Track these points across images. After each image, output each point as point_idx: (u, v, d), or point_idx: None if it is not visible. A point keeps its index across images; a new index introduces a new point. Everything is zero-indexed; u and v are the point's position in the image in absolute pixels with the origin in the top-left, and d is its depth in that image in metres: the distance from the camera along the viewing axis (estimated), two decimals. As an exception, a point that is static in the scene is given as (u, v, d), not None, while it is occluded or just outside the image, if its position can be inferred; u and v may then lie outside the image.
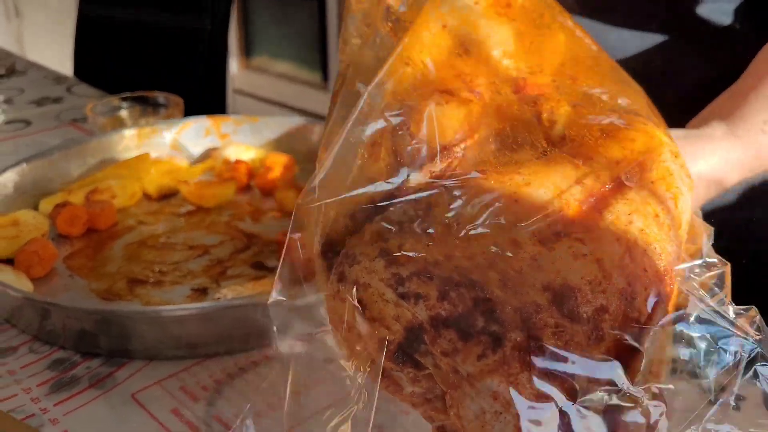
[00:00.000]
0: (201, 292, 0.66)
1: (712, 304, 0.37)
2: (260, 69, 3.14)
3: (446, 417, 0.34)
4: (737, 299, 0.71)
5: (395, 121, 0.35)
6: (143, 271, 0.69)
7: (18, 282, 0.64)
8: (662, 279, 0.35)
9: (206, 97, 1.37)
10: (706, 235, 0.40)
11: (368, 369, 0.34)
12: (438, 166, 0.35)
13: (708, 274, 0.38)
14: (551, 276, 0.32)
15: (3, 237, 0.70)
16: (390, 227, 0.33)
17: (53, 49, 2.97)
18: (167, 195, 0.84)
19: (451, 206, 0.33)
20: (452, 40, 0.38)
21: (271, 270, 0.69)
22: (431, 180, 0.34)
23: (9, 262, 0.69)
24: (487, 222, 0.33)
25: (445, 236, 0.33)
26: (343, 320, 0.34)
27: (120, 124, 0.96)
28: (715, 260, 0.39)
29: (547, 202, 0.34)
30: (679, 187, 0.37)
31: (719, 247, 0.71)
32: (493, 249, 0.32)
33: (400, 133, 0.35)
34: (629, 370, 0.34)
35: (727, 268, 0.38)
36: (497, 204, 0.33)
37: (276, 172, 0.84)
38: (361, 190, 0.34)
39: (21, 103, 1.18)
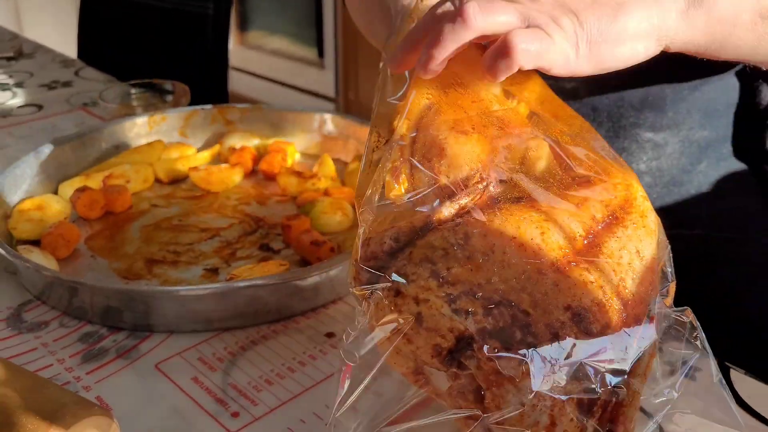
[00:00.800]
0: (213, 272, 0.72)
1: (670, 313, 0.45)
2: (255, 45, 3.17)
3: (475, 407, 0.41)
4: (712, 279, 0.78)
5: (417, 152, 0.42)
6: (159, 252, 0.75)
7: (45, 262, 0.70)
8: (643, 302, 0.43)
9: (207, 82, 1.41)
10: (667, 252, 0.47)
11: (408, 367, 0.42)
12: (464, 199, 0.42)
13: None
14: (569, 298, 0.40)
15: (29, 220, 0.76)
16: (435, 251, 0.40)
17: (53, 25, 2.99)
18: (177, 179, 0.90)
19: (487, 236, 0.40)
20: (452, 76, 0.45)
21: (277, 252, 0.76)
22: (462, 212, 0.41)
23: (35, 243, 0.75)
24: (515, 250, 0.40)
25: (483, 263, 0.40)
26: (394, 327, 0.41)
27: (129, 110, 1.02)
28: (669, 274, 0.46)
29: (564, 236, 0.41)
30: (649, 226, 0.45)
31: (694, 235, 0.77)
32: (524, 275, 0.39)
33: (421, 165, 0.42)
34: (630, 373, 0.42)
35: (673, 284, 0.46)
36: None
37: (279, 158, 0.90)
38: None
39: (32, 87, 1.23)
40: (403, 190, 0.42)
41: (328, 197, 0.80)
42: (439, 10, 0.46)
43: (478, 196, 0.42)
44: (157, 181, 0.90)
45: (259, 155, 0.93)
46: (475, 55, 0.47)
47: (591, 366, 0.40)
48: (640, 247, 0.43)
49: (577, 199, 0.43)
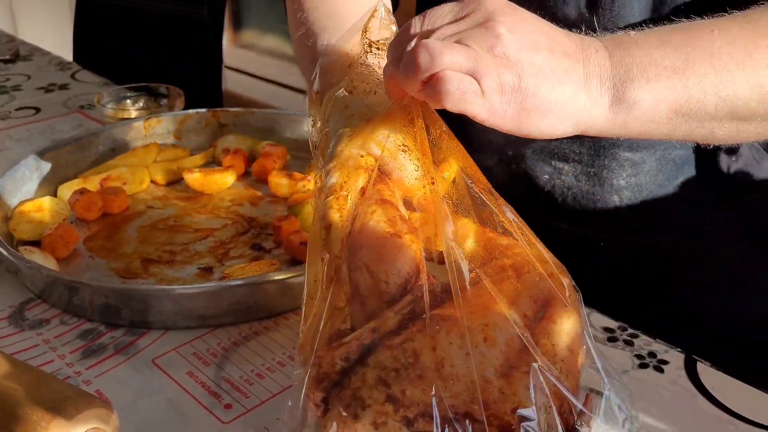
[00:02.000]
0: (207, 271, 0.75)
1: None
2: (248, 45, 3.19)
3: None
4: (683, 281, 0.81)
5: (353, 259, 0.45)
6: (155, 252, 0.78)
7: (45, 262, 0.73)
8: (576, 391, 0.46)
9: (202, 83, 1.44)
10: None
11: None
12: (407, 307, 0.44)
13: None
14: (515, 402, 0.43)
15: (29, 221, 0.79)
16: (388, 373, 0.43)
17: (47, 27, 3.01)
18: (173, 182, 0.93)
19: (436, 350, 0.43)
20: (377, 167, 0.48)
21: (268, 251, 0.79)
22: (405, 322, 0.44)
23: (35, 243, 0.78)
24: (462, 362, 0.43)
25: (434, 379, 0.42)
26: None
27: (125, 113, 1.04)
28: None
29: (505, 340, 0.44)
30: (574, 313, 0.47)
31: (665, 241, 0.81)
32: (473, 386, 0.42)
33: (360, 271, 0.45)
34: None
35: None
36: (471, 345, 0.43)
37: (270, 161, 0.93)
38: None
39: (29, 90, 1.25)
40: (344, 302, 0.45)
41: (317, 199, 0.83)
42: (397, 49, 0.48)
43: (419, 300, 0.44)
44: (153, 183, 0.93)
45: (252, 157, 0.96)
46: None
47: None
48: (569, 342, 0.46)
49: (509, 294, 0.45)
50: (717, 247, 0.80)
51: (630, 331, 0.68)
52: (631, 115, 0.51)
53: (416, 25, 0.49)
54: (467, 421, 0.42)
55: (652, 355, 0.65)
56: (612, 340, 0.67)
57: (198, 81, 1.45)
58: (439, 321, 0.44)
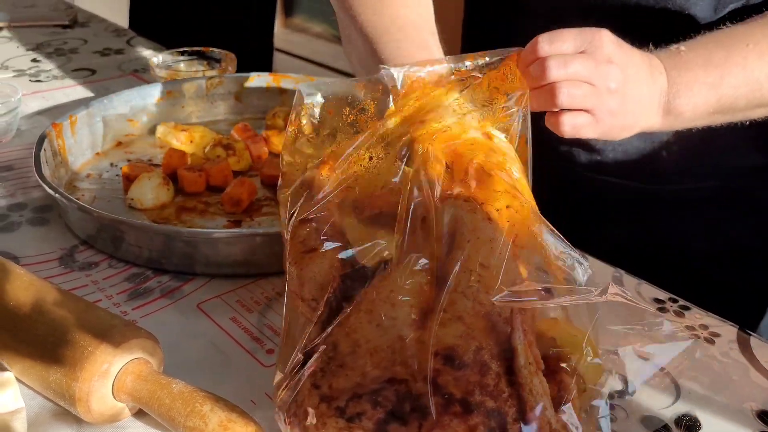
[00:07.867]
0: (236, 224, 0.76)
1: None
2: (299, 29, 3.21)
3: None
4: (725, 229, 0.81)
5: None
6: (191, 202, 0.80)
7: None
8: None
9: (254, 54, 1.45)
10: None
11: None
12: (324, 312, 0.46)
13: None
14: (434, 346, 0.42)
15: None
16: (316, 375, 0.44)
17: None
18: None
19: (350, 335, 0.44)
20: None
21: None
22: (325, 325, 0.46)
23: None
24: (375, 335, 0.43)
25: (354, 361, 0.43)
26: None
27: (179, 76, 1.05)
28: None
29: (415, 294, 0.44)
30: (479, 231, 0.47)
31: (707, 186, 0.80)
32: (389, 350, 0.42)
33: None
34: (515, 367, 0.43)
35: None
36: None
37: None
38: None
39: (86, 53, 1.27)
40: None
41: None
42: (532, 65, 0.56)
43: (331, 300, 0.46)
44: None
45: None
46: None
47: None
48: (483, 260, 0.45)
49: (418, 245, 0.47)
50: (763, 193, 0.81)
51: (681, 303, 0.66)
52: (677, 120, 0.63)
53: (544, 45, 0.56)
54: (392, 386, 0.41)
55: (703, 327, 0.63)
56: (662, 311, 0.65)
57: (250, 55, 1.45)
58: (350, 307, 0.45)
